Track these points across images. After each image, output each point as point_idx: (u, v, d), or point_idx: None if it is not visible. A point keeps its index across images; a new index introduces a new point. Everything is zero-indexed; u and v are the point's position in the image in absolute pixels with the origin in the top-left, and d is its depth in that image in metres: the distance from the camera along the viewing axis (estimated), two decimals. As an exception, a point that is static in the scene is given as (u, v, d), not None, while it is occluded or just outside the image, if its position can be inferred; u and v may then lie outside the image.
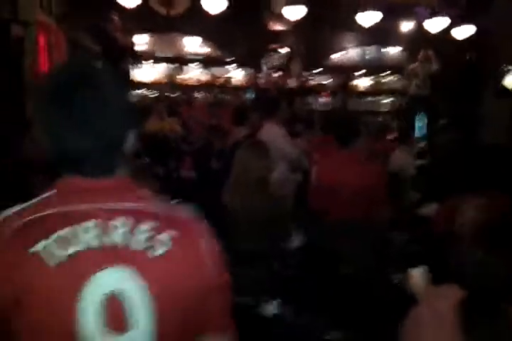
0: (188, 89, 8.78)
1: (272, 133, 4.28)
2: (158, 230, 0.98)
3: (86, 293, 0.91)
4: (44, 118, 0.96)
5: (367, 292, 2.80)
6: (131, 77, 7.26)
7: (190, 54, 8.83)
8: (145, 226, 0.97)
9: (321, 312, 2.83)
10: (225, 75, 8.97)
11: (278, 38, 8.53)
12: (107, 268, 0.93)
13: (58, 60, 5.22)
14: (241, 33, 8.06)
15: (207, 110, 6.81)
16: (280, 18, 7.69)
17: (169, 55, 8.78)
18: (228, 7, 6.96)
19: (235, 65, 8.90)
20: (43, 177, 4.72)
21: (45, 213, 0.94)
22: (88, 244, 0.93)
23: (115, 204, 0.98)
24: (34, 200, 0.98)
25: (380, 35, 8.45)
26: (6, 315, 0.90)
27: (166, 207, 1.04)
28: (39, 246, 0.91)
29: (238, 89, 8.98)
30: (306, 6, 6.77)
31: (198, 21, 7.92)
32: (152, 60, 8.64)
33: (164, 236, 0.98)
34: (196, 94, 8.82)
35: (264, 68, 8.84)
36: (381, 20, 7.47)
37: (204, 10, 7.30)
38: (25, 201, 1.00)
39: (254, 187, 2.93)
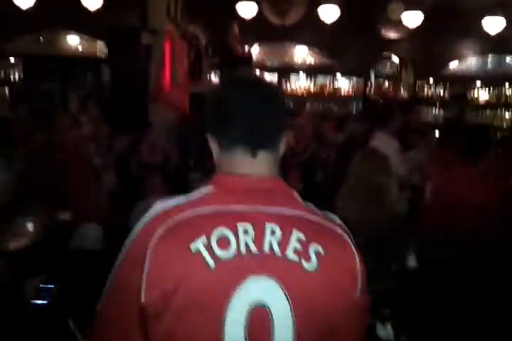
0: (297, 98, 8.84)
1: (384, 143, 4.16)
2: (312, 240, 0.94)
3: (235, 299, 0.89)
4: (222, 117, 1.01)
5: (492, 321, 2.59)
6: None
7: (300, 63, 8.89)
8: (300, 235, 0.94)
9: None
10: (334, 85, 8.91)
11: (391, 46, 8.32)
12: (257, 276, 0.90)
13: (180, 68, 5.52)
14: (353, 41, 7.98)
15: (315, 120, 6.81)
16: (395, 25, 7.51)
17: (279, 64, 8.92)
18: (342, 15, 6.95)
19: (344, 73, 8.80)
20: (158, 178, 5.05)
21: (204, 210, 0.94)
22: (244, 247, 0.91)
23: (273, 208, 0.96)
24: (191, 196, 0.98)
25: (501, 43, 7.91)
26: (158, 311, 0.89)
27: (320, 216, 1.01)
28: (199, 244, 0.90)
29: (347, 98, 8.87)
30: (424, 13, 6.55)
31: (310, 30, 8.00)
32: (263, 69, 8.84)
33: (317, 247, 0.94)
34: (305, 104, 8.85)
35: (374, 77, 8.67)
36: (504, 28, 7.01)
37: (317, 19, 7.36)
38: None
39: (372, 197, 2.86)
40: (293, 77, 8.90)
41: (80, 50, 9.09)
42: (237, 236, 0.92)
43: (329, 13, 6.90)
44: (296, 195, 1.03)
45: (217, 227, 0.92)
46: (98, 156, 4.01)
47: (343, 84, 8.86)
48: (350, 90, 8.85)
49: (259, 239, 0.92)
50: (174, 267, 0.90)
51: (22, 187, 3.90)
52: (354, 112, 8.25)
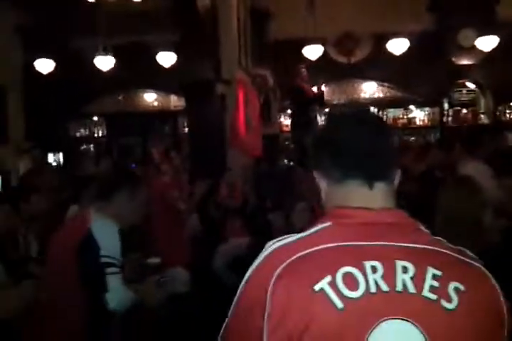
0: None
1: (477, 170, 3.93)
2: (450, 276, 0.86)
3: None
4: (333, 150, 0.98)
5: None
6: (317, 125, 7.54)
7: (370, 98, 8.85)
8: (435, 271, 0.86)
9: None
10: (407, 116, 8.75)
11: (465, 72, 8.07)
12: (390, 318, 0.83)
13: (253, 113, 5.66)
14: (424, 72, 7.83)
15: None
16: (468, 51, 7.32)
17: (347, 100, 8.92)
18: (411, 46, 6.90)
19: (418, 104, 8.63)
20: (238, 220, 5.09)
21: (322, 247, 0.87)
22: (373, 287, 0.84)
23: (401, 243, 0.88)
24: (304, 233, 0.92)
25: None
26: None
27: (453, 250, 0.92)
28: (324, 284, 0.83)
29: (422, 128, 8.65)
30: (499, 36, 6.34)
31: (377, 65, 7.99)
32: (333, 107, 8.86)
33: (456, 283, 0.85)
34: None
35: (450, 105, 8.40)
36: None
37: (383, 54, 7.35)
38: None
39: (466, 231, 2.67)
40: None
41: (156, 105, 9.64)
42: (364, 274, 0.84)
43: (398, 46, 6.86)
44: (422, 227, 0.94)
45: (342, 265, 0.85)
46: (181, 202, 4.11)
47: (418, 114, 8.68)
48: (426, 120, 8.64)
49: (389, 278, 0.85)
50: (298, 308, 0.83)
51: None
52: (432, 141, 7.99)
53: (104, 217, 2.09)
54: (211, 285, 3.97)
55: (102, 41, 6.88)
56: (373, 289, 0.84)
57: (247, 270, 0.92)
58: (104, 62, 7.19)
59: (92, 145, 9.70)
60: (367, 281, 0.84)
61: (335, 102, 8.53)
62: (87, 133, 9.73)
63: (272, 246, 0.91)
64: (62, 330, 2.01)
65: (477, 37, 6.81)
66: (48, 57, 7.26)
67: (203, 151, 5.44)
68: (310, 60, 7.00)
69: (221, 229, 4.90)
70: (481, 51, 7.28)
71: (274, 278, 0.85)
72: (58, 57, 7.39)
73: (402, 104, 8.66)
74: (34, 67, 7.35)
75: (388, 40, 7.17)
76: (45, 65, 7.41)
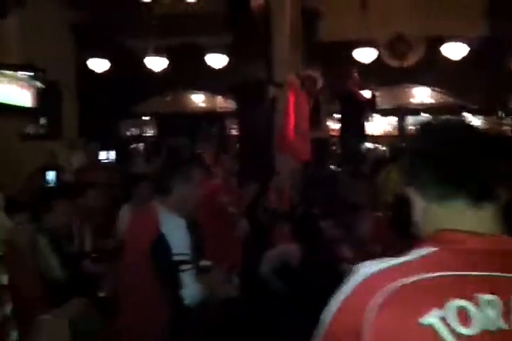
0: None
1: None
2: None
3: None
4: (433, 166, 0.89)
5: None
6: (366, 131, 7.42)
7: (422, 104, 8.62)
8: None
9: None
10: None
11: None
12: None
13: (302, 117, 5.61)
14: (479, 78, 7.57)
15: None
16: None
17: (398, 106, 8.73)
18: (465, 52, 6.67)
19: (472, 111, 8.34)
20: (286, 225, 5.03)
21: (430, 275, 0.78)
22: (489, 324, 0.76)
23: None
24: (404, 258, 0.82)
25: None
26: None
27: None
28: (432, 317, 0.76)
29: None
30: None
31: (430, 70, 7.78)
32: (381, 113, 8.70)
33: None
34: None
35: (507, 113, 8.08)
36: None
37: (436, 58, 7.14)
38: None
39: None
40: (413, 118, 8.63)
41: (203, 106, 9.73)
42: (479, 308, 0.77)
43: (453, 51, 6.64)
44: None
45: (453, 297, 0.77)
46: (232, 205, 4.11)
47: (472, 122, 8.38)
48: (483, 128, 8.32)
49: (507, 314, 0.77)
50: None
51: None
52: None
53: (168, 208, 2.12)
54: (258, 290, 3.95)
55: (155, 42, 6.99)
56: (490, 326, 0.76)
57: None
58: (156, 63, 7.32)
59: (141, 144, 9.89)
60: (482, 317, 0.76)
61: (385, 107, 8.38)
62: (137, 132, 9.94)
63: (364, 270, 0.83)
64: (142, 325, 2.04)
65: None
66: (101, 57, 7.44)
67: (251, 154, 5.44)
68: (361, 63, 6.88)
69: (269, 234, 4.87)
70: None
71: (374, 308, 0.78)
72: (112, 56, 7.57)
73: (456, 111, 8.38)
74: (88, 66, 7.54)
75: (442, 44, 6.95)
76: (99, 64, 7.61)
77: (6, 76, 5.78)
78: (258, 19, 5.29)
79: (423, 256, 0.82)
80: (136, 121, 9.94)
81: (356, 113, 6.50)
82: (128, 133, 9.96)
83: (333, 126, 8.08)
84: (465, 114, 8.36)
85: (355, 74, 6.39)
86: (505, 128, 8.07)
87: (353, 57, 7.08)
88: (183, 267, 2.03)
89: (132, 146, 9.88)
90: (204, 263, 3.50)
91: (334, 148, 8.01)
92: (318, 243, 4.20)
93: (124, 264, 2.26)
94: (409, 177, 0.93)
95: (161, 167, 6.07)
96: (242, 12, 5.44)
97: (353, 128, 6.76)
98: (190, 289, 2.02)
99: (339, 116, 7.38)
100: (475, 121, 8.34)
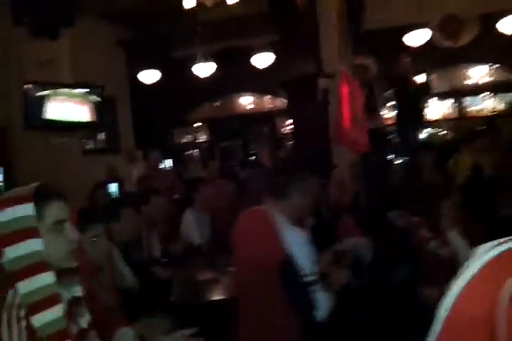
0: (484, 120, 8.07)
1: None
2: None
3: None
4: None
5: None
6: (424, 116, 7.12)
7: (482, 83, 8.18)
8: None
9: None
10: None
11: None
12: None
13: (357, 106, 5.45)
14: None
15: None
16: None
17: (457, 88, 8.33)
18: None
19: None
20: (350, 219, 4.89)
21: None
22: None
23: None
24: None
25: None
26: None
27: None
28: None
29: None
30: None
31: (486, 47, 7.37)
32: (438, 97, 8.33)
33: None
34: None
35: None
36: None
37: (491, 35, 6.76)
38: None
39: None
40: (475, 98, 8.23)
41: (252, 107, 9.72)
42: None
43: (509, 25, 6.25)
44: None
45: None
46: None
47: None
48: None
49: None
50: None
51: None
52: None
53: (283, 214, 2.00)
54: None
55: (201, 48, 7.05)
56: None
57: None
58: (203, 69, 7.37)
59: (196, 150, 10.02)
60: None
61: (442, 91, 8.02)
62: (191, 139, 10.09)
63: (490, 251, 0.70)
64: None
65: None
66: (151, 68, 7.61)
67: (307, 149, 5.34)
68: (412, 48, 6.61)
69: (333, 229, 4.75)
70: None
71: (506, 293, 0.65)
72: (161, 67, 7.71)
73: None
74: (138, 79, 7.73)
75: (496, 20, 6.56)
76: (148, 76, 7.77)
77: (62, 94, 6.01)
78: (304, 13, 5.20)
79: None
80: (189, 129, 10.08)
81: (411, 99, 6.25)
82: (182, 141, 10.11)
83: (389, 114, 7.83)
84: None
85: (407, 60, 6.16)
86: None
87: (403, 43, 6.82)
88: (313, 288, 1.91)
89: (187, 153, 10.02)
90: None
91: (391, 137, 7.75)
92: (388, 234, 4.04)
93: (244, 281, 2.13)
94: None
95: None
96: (287, 7, 5.37)
97: (410, 115, 6.51)
98: (323, 310, 1.92)
99: (394, 103, 7.14)
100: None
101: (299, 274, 1.86)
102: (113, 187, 6.73)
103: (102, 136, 8.06)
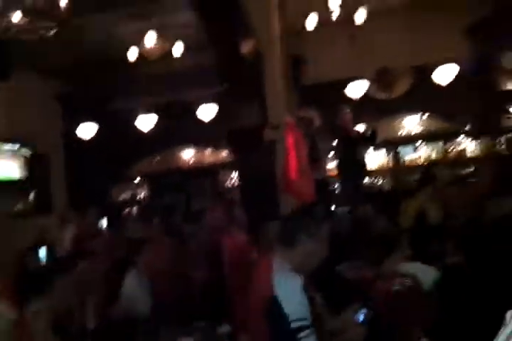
0: (418, 168, 8.31)
1: None
2: None
3: None
4: None
5: None
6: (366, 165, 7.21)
7: (415, 132, 8.51)
8: None
9: None
10: (458, 148, 8.33)
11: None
12: None
13: (302, 158, 5.42)
14: (469, 100, 7.51)
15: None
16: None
17: (391, 138, 8.60)
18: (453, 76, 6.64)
19: (466, 135, 8.23)
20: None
21: None
22: None
23: None
24: None
25: None
26: None
27: None
28: None
29: (475, 159, 8.17)
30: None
31: (419, 98, 7.75)
32: (377, 146, 8.54)
33: None
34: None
35: (501, 132, 7.98)
36: None
37: (424, 86, 7.13)
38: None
39: None
40: (411, 147, 8.52)
41: (194, 161, 9.53)
42: None
43: (442, 77, 6.59)
44: None
45: None
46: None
47: (468, 145, 8.25)
48: (478, 150, 8.19)
49: None
50: None
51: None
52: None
53: (288, 265, 1.94)
54: None
55: (143, 101, 6.92)
56: None
57: None
58: (145, 122, 7.19)
59: (135, 208, 9.56)
60: None
61: (384, 139, 8.26)
62: (129, 196, 9.65)
63: None
64: None
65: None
66: (89, 122, 7.33)
67: (255, 201, 5.18)
68: (352, 100, 6.82)
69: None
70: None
71: None
72: (99, 121, 7.46)
73: (450, 135, 8.27)
74: (75, 134, 7.41)
75: (429, 71, 6.95)
76: (85, 130, 7.47)
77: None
78: (250, 65, 5.23)
79: None
80: (127, 185, 9.67)
81: (351, 149, 6.34)
82: (121, 198, 9.65)
83: (330, 165, 7.90)
84: (460, 137, 8.26)
85: (348, 111, 6.29)
86: (498, 148, 7.95)
87: (343, 95, 7.04)
88: (303, 334, 1.82)
89: (126, 211, 9.54)
90: (223, 329, 3.15)
91: (334, 187, 7.77)
92: (339, 287, 3.86)
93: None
94: None
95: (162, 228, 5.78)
96: (232, 60, 5.39)
97: (352, 165, 6.57)
98: None
99: (336, 154, 7.22)
100: (470, 144, 8.23)
101: (286, 319, 1.81)
102: (43, 252, 6.19)
103: (32, 195, 7.53)
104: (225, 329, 3.39)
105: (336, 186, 7.68)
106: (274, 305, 1.83)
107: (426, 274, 2.50)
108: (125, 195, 9.66)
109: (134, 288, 3.84)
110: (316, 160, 6.47)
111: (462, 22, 7.25)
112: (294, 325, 1.81)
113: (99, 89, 7.64)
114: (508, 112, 7.93)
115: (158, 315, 3.38)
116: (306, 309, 1.85)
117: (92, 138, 7.45)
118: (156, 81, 6.97)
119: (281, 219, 2.09)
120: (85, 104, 7.58)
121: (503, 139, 7.97)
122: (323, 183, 6.71)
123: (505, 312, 1.04)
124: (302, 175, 5.42)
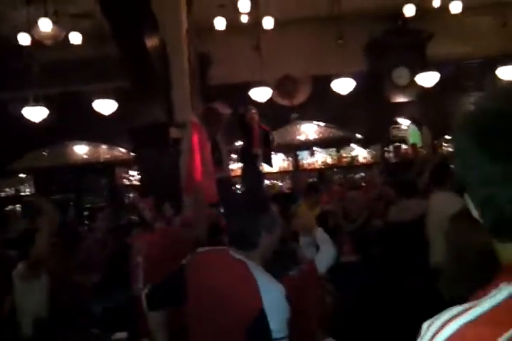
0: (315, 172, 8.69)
1: (447, 201, 3.86)
2: None
3: None
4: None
5: None
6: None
7: (311, 139, 8.88)
8: None
9: None
10: (351, 154, 8.86)
11: (401, 109, 8.38)
12: None
13: (206, 158, 5.36)
14: (363, 110, 8.03)
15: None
16: (402, 89, 7.60)
17: (289, 142, 8.89)
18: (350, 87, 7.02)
19: (359, 142, 8.78)
20: None
21: None
22: None
23: None
24: (486, 304, 0.60)
25: None
26: None
27: None
28: None
29: (366, 166, 8.75)
30: (439, 73, 6.65)
31: (317, 106, 8.09)
32: (277, 150, 8.76)
33: None
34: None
35: (390, 142, 8.62)
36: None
37: (322, 95, 7.45)
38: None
39: (481, 268, 2.45)
40: (306, 152, 8.87)
41: (87, 157, 9.04)
42: None
43: (341, 87, 6.93)
44: None
45: None
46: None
47: (360, 152, 8.81)
48: (369, 157, 8.78)
49: None
50: None
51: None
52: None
53: (256, 263, 1.74)
54: None
55: (35, 91, 6.36)
56: None
57: None
58: (34, 114, 6.62)
59: (19, 205, 8.80)
60: None
61: (284, 143, 8.49)
62: (13, 192, 8.86)
63: (446, 324, 0.61)
64: None
65: (410, 75, 7.11)
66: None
67: (158, 199, 5.02)
68: (258, 103, 6.90)
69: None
70: (416, 88, 7.63)
71: None
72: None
73: (344, 143, 8.77)
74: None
75: (328, 81, 7.27)
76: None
77: None
78: (155, 61, 5.04)
79: (506, 299, 0.60)
80: (11, 180, 8.88)
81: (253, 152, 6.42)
82: (2, 194, 8.83)
83: (234, 165, 7.95)
84: (353, 145, 8.79)
85: (254, 111, 6.35)
86: (388, 155, 8.58)
87: (249, 97, 7.11)
88: None
89: (8, 208, 8.75)
90: (118, 336, 3.01)
91: (236, 187, 7.82)
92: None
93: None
94: (461, 181, 0.68)
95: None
96: (137, 55, 5.15)
97: (253, 167, 6.64)
98: None
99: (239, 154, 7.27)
100: (362, 151, 8.80)
101: (269, 332, 1.59)
102: None
103: None
104: (121, 335, 3.25)
105: (238, 186, 7.75)
106: (261, 317, 1.59)
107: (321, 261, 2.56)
108: (8, 191, 8.88)
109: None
110: (219, 160, 6.44)
111: (361, 40, 7.75)
112: (274, 336, 1.59)
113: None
114: (396, 123, 8.61)
115: (56, 318, 3.13)
116: (285, 321, 1.65)
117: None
118: (50, 71, 6.47)
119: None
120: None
121: (391, 147, 8.65)
122: (226, 183, 6.70)
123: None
124: (207, 177, 5.36)
